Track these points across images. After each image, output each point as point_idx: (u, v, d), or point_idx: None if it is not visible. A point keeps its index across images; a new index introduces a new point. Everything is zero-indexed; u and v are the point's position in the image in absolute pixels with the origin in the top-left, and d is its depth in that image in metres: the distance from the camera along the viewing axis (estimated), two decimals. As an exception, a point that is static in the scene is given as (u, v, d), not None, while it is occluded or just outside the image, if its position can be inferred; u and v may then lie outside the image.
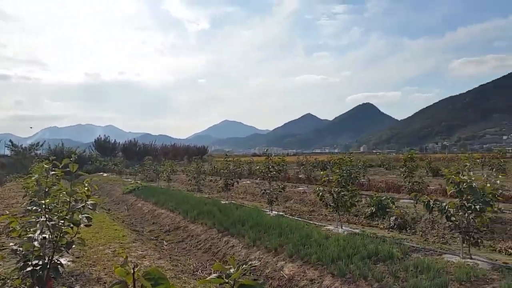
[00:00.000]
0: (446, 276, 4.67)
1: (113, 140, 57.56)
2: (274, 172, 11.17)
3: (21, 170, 29.03)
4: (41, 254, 3.79)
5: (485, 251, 6.34)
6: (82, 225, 4.02)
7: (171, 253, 7.98)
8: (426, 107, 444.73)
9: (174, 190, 17.36)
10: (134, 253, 6.97)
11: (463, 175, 5.45)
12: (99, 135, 57.14)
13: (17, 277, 4.10)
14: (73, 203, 3.98)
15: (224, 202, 12.32)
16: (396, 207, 9.82)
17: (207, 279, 1.62)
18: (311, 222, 8.82)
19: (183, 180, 23.10)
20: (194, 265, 7.09)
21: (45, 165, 4.19)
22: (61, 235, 3.91)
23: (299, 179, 21.78)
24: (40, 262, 3.80)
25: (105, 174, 33.99)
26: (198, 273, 6.56)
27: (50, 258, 3.87)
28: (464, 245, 5.58)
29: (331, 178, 8.47)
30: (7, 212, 4.19)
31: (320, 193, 8.38)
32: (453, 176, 5.49)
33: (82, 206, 4.00)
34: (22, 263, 3.83)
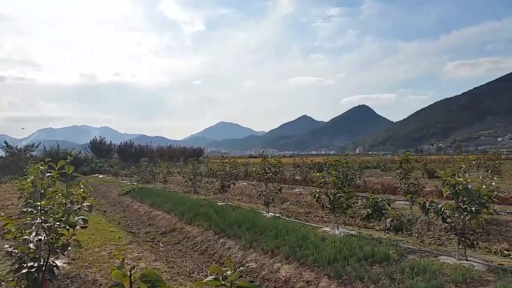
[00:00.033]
0: (442, 278, 4.69)
1: (109, 141, 57.43)
2: (271, 174, 11.19)
3: (16, 172, 28.86)
4: (37, 256, 3.76)
5: (481, 253, 6.38)
6: (78, 227, 3.99)
7: (167, 255, 7.95)
8: (421, 109, 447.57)
9: (170, 192, 17.32)
10: (130, 255, 6.94)
11: (459, 177, 5.48)
12: (95, 137, 57.02)
13: (12, 279, 4.06)
14: (69, 205, 3.96)
15: (221, 203, 12.30)
16: (392, 208, 9.85)
17: (203, 281, 1.62)
18: (308, 223, 8.82)
19: (179, 181, 23.05)
20: (190, 267, 7.07)
21: (41, 167, 4.17)
22: (56, 237, 3.88)
23: (296, 180, 21.79)
24: (36, 264, 3.77)
25: (101, 176, 33.85)
26: (195, 275, 6.54)
27: (45, 260, 3.84)
28: (460, 246, 5.60)
29: (327, 179, 8.50)
30: (2, 214, 4.15)
31: (317, 195, 8.39)
32: (448, 178, 5.52)
33: (78, 208, 3.97)
34: (17, 265, 3.80)
